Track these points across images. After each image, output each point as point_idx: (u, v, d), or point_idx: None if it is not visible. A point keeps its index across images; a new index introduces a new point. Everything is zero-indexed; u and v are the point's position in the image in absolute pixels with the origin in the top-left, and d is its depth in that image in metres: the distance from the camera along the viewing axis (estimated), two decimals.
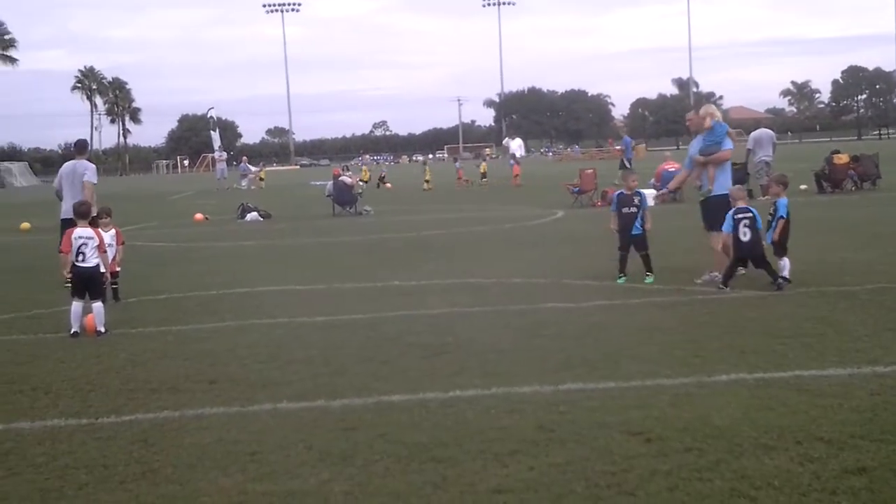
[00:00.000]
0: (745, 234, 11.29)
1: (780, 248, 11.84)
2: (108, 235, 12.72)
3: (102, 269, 11.15)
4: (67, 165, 15.21)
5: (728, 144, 12.40)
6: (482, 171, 49.07)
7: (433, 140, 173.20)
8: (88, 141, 16.59)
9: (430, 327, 10.17)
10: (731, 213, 11.49)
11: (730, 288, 11.34)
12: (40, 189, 73.84)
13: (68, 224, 14.19)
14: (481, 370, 8.09)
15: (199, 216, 30.31)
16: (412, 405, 7.12)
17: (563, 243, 18.29)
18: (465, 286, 13.08)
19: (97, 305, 10.70)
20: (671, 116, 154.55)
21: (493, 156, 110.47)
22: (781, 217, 11.84)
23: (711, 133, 12.34)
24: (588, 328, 9.74)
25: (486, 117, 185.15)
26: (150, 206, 40.01)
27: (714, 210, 12.19)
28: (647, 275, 12.45)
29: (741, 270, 12.06)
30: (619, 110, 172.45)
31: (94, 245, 10.83)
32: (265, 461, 6.01)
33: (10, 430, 6.97)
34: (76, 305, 10.62)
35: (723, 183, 12.33)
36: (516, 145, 52.78)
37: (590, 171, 29.36)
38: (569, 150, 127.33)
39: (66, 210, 14.16)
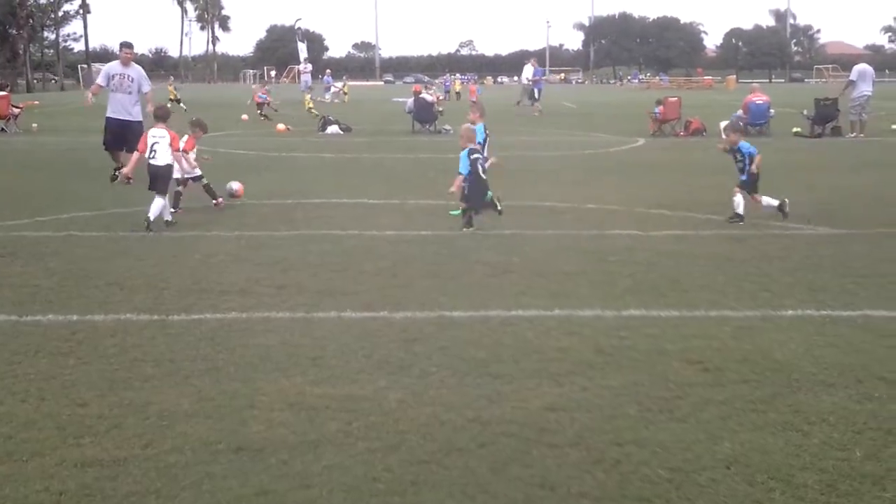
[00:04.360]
0: None
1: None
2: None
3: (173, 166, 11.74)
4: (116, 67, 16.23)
5: None
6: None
7: (520, 61, 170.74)
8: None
9: (500, 247, 10.20)
10: None
11: None
12: None
13: (114, 124, 15.05)
14: (545, 291, 8.12)
15: (281, 126, 30.53)
16: (474, 321, 7.20)
17: (641, 171, 18.05)
18: (539, 209, 13.04)
19: (158, 200, 11.23)
20: (766, 48, 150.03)
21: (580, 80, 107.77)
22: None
23: None
24: (657, 256, 9.67)
25: (574, 41, 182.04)
26: (235, 114, 40.34)
27: None
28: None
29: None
30: (713, 40, 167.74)
31: (166, 143, 11.18)
32: (325, 366, 6.15)
33: (85, 321, 7.22)
34: (157, 199, 11.17)
35: None
36: (529, 73, 46.46)
37: (674, 99, 28.74)
38: (657, 78, 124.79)
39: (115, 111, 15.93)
